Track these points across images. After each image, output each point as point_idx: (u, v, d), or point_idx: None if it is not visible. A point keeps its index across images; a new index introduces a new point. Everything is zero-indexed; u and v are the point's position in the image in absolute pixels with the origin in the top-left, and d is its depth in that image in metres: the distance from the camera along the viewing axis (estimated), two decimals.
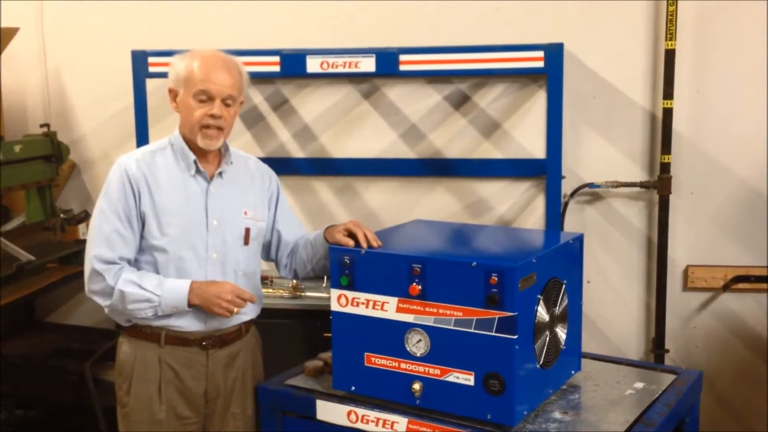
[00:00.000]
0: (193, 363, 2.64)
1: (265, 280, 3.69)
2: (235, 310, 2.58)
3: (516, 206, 4.09)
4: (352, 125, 4.23)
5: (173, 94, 2.62)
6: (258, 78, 4.11)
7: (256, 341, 2.84)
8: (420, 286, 2.35)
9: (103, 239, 2.53)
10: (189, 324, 2.61)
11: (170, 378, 2.62)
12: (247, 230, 2.71)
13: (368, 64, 3.77)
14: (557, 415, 2.43)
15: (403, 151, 4.18)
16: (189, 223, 2.59)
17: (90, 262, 2.54)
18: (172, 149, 2.64)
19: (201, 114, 2.54)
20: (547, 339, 2.44)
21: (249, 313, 2.74)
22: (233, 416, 2.74)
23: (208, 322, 2.63)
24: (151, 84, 4.07)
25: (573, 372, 2.68)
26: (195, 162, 2.62)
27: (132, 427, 2.67)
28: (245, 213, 2.71)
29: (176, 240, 2.57)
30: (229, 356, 2.70)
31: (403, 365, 2.42)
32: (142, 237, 2.59)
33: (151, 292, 2.53)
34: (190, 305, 2.56)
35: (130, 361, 2.65)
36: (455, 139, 4.11)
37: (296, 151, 4.31)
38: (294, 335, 3.57)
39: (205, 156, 2.65)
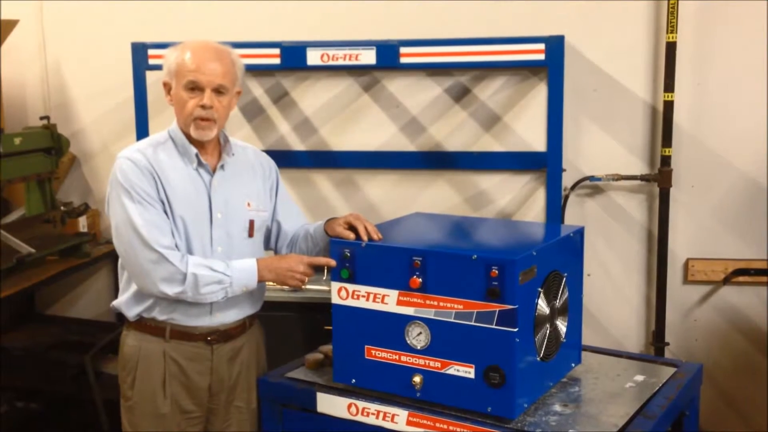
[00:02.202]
0: (197, 357, 2.63)
1: None
2: (306, 279, 2.60)
3: (516, 199, 4.09)
4: (352, 118, 4.22)
5: (167, 87, 2.60)
6: (258, 70, 4.11)
7: (259, 335, 2.83)
8: (420, 279, 2.34)
9: (153, 226, 2.47)
10: (194, 319, 2.60)
11: (175, 372, 2.62)
12: (251, 222, 2.70)
13: (369, 57, 3.76)
14: (557, 407, 2.43)
15: (403, 143, 4.18)
16: (195, 217, 2.57)
17: (151, 250, 2.45)
18: (173, 143, 2.62)
19: (192, 105, 2.52)
20: (548, 332, 2.45)
21: (251, 307, 2.74)
22: (237, 410, 2.73)
23: (213, 317, 2.62)
24: (150, 76, 4.06)
25: (573, 365, 2.69)
26: (197, 155, 2.60)
27: (136, 421, 2.66)
28: (248, 204, 2.70)
29: (184, 234, 2.56)
30: (233, 350, 2.70)
31: (403, 358, 2.42)
32: None
33: (222, 273, 2.50)
34: (260, 281, 2.59)
35: (134, 354, 2.63)
36: (455, 132, 4.11)
37: (296, 144, 4.30)
38: (294, 328, 3.57)
39: (205, 148, 2.63)
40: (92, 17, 4.47)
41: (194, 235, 2.57)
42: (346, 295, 2.49)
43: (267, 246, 2.87)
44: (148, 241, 2.46)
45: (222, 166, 2.66)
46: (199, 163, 2.61)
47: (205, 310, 2.60)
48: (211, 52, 2.56)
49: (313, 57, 3.81)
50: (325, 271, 2.76)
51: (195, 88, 2.52)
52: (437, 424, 2.37)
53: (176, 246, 2.52)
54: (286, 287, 3.61)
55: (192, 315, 2.59)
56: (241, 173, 2.72)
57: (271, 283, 3.66)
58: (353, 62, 3.79)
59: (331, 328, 2.55)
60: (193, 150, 2.59)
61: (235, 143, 2.74)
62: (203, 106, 2.52)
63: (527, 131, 4.02)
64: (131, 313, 2.62)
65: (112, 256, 4.22)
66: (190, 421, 2.66)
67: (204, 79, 2.51)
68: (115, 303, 2.67)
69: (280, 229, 2.83)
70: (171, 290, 2.48)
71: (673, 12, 3.68)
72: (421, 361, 2.39)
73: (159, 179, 2.53)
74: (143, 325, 2.63)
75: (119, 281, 2.68)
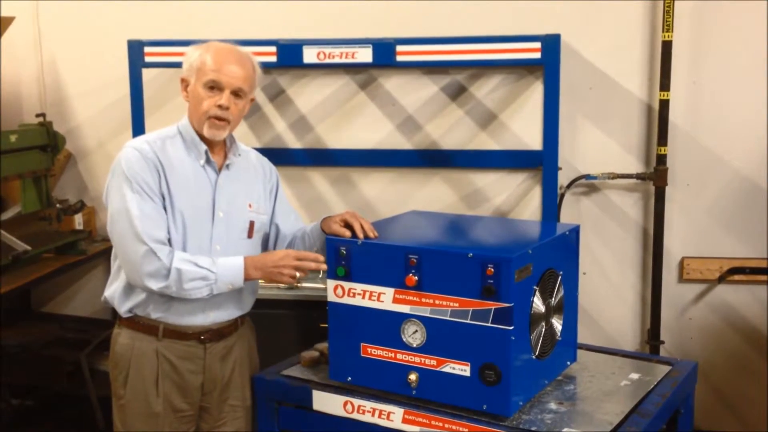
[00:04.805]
0: (190, 356, 2.62)
1: None
2: (298, 274, 2.53)
3: (512, 197, 4.10)
4: (348, 116, 4.23)
5: (185, 83, 2.60)
6: None
7: (250, 332, 2.83)
8: (416, 277, 2.35)
9: (147, 218, 2.47)
10: (188, 318, 2.59)
11: (167, 371, 2.61)
12: (252, 223, 2.69)
13: (365, 55, 3.76)
14: (552, 405, 2.44)
15: (399, 142, 4.18)
16: (196, 214, 2.57)
17: (141, 243, 2.44)
18: (181, 138, 2.61)
19: (209, 104, 2.52)
20: (543, 330, 2.45)
21: (245, 305, 2.74)
22: (232, 409, 2.73)
23: (207, 315, 2.61)
24: (147, 74, 4.07)
25: (568, 363, 2.69)
26: (206, 152, 2.60)
27: (128, 420, 2.65)
28: (250, 206, 2.70)
29: (183, 229, 2.55)
30: (225, 349, 2.69)
31: (399, 356, 2.42)
32: None
33: (207, 269, 2.48)
34: (247, 280, 2.55)
35: (126, 353, 2.62)
36: (452, 130, 4.11)
37: (293, 142, 4.30)
38: (290, 326, 3.57)
39: (212, 147, 2.63)
40: (88, 14, 4.47)
41: (193, 231, 2.56)
42: (341, 292, 2.49)
43: (265, 248, 2.86)
44: (139, 234, 2.45)
45: (228, 166, 2.66)
46: (207, 161, 2.61)
47: (200, 309, 2.60)
48: (235, 55, 2.57)
49: (310, 55, 3.81)
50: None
51: (214, 87, 2.53)
52: (433, 422, 2.37)
53: (170, 240, 2.51)
54: (281, 285, 3.65)
55: (186, 314, 2.59)
56: (244, 174, 2.72)
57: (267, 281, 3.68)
58: (350, 60, 3.79)
59: (326, 325, 2.55)
60: (203, 147, 2.60)
61: (239, 145, 2.75)
62: (220, 106, 2.53)
63: (523, 129, 4.02)
64: (123, 307, 2.61)
65: (108, 253, 4.21)
66: (182, 419, 2.66)
67: (225, 80, 2.52)
68: (107, 295, 2.66)
69: (279, 232, 2.83)
70: (155, 285, 2.48)
71: (668, 11, 3.69)
72: (417, 359, 2.40)
73: (164, 172, 2.53)
74: (135, 323, 2.62)
75: (111, 268, 2.67)
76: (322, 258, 2.52)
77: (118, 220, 2.51)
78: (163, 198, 2.52)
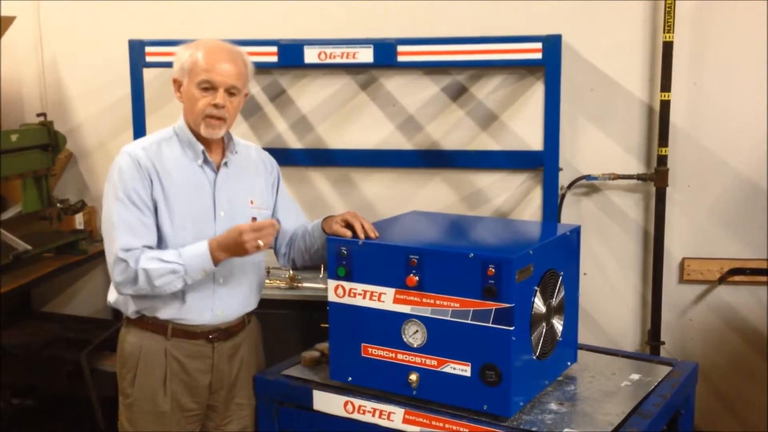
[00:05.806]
0: (199, 355, 2.63)
1: None
2: (261, 243, 2.47)
3: (513, 198, 4.09)
4: (349, 116, 4.22)
5: (177, 84, 2.60)
6: (255, 68, 4.10)
7: (257, 331, 2.84)
8: (417, 277, 2.35)
9: (127, 228, 2.48)
10: (197, 318, 2.60)
11: (176, 370, 2.62)
12: (254, 220, 2.69)
13: (366, 55, 3.76)
14: (553, 406, 2.44)
15: (400, 142, 4.18)
16: (197, 214, 2.58)
17: (114, 254, 2.48)
18: (177, 139, 2.62)
19: (204, 104, 2.53)
20: (544, 330, 2.45)
21: (252, 302, 2.76)
22: (239, 407, 2.74)
23: (215, 315, 2.62)
24: (148, 73, 4.06)
25: (569, 363, 2.69)
26: (203, 152, 2.60)
27: (135, 419, 2.65)
28: (251, 202, 2.71)
29: (185, 231, 2.55)
30: (233, 347, 2.70)
31: (399, 356, 2.42)
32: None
33: (174, 262, 2.48)
34: (217, 262, 2.52)
35: (135, 352, 2.63)
36: (453, 131, 4.11)
37: (293, 142, 4.30)
38: (291, 326, 3.57)
39: (209, 146, 2.63)
40: (89, 14, 4.47)
41: (197, 232, 2.56)
42: (342, 293, 2.49)
43: None
44: (113, 242, 2.49)
45: (226, 164, 2.66)
46: (205, 160, 2.61)
47: (208, 308, 2.61)
48: (225, 52, 2.57)
49: (311, 55, 3.81)
50: (322, 269, 2.73)
51: (208, 87, 2.53)
52: (433, 422, 2.37)
53: (147, 247, 2.51)
54: (282, 285, 3.66)
55: (194, 314, 2.60)
56: (244, 171, 2.73)
57: (267, 280, 3.69)
58: (350, 60, 3.79)
59: (327, 325, 2.55)
60: (200, 147, 2.60)
61: (238, 141, 2.75)
62: (216, 105, 2.53)
63: (524, 130, 4.02)
64: (130, 309, 2.62)
65: None
66: (189, 419, 2.67)
67: (218, 79, 2.53)
68: (112, 300, 2.67)
69: (279, 228, 2.83)
70: (128, 290, 2.51)
71: (669, 12, 3.69)
72: (418, 359, 2.40)
73: (159, 177, 2.53)
74: (144, 322, 2.63)
75: None
76: (274, 221, 2.53)
77: (103, 227, 2.56)
78: (156, 204, 2.53)
